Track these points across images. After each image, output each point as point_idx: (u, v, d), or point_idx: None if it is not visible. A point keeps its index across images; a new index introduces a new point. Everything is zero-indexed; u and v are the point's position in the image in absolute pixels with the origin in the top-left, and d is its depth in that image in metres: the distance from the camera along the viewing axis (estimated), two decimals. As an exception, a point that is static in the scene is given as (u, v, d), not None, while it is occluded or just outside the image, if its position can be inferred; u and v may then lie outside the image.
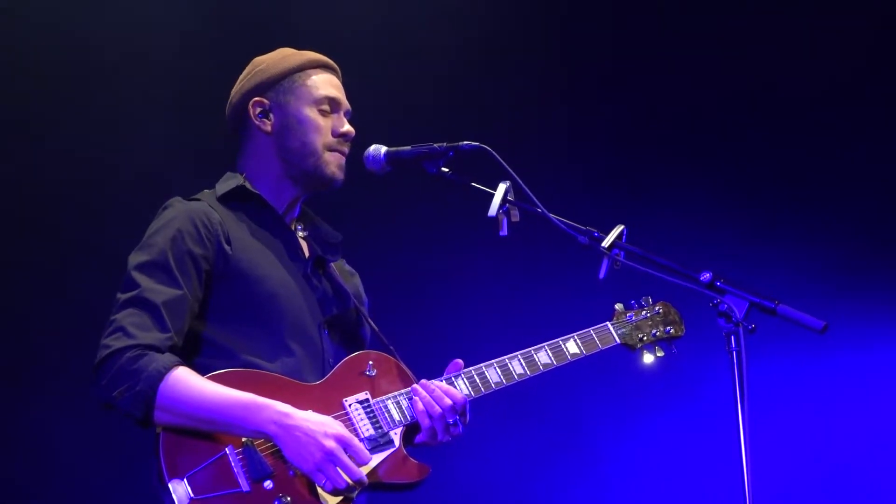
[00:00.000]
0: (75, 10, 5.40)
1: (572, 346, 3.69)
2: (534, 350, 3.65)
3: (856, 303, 6.08)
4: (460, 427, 3.49)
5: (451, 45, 5.94)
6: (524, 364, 3.62)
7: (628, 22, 6.20)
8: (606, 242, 3.35)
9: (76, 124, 5.41)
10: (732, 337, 3.14)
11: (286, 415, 3.22)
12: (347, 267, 3.78)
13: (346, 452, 3.24)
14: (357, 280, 3.79)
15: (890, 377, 6.19)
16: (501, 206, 3.41)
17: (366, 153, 3.61)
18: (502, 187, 3.42)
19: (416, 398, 3.45)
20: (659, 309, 3.88)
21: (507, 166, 3.38)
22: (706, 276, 3.23)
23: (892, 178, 6.24)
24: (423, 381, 3.51)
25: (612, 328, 3.79)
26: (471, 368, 3.57)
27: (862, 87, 6.21)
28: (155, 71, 5.52)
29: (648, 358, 3.81)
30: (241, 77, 3.68)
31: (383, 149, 3.60)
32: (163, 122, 5.52)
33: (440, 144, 3.53)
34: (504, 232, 3.43)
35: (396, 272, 5.72)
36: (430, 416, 3.43)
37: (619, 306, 3.85)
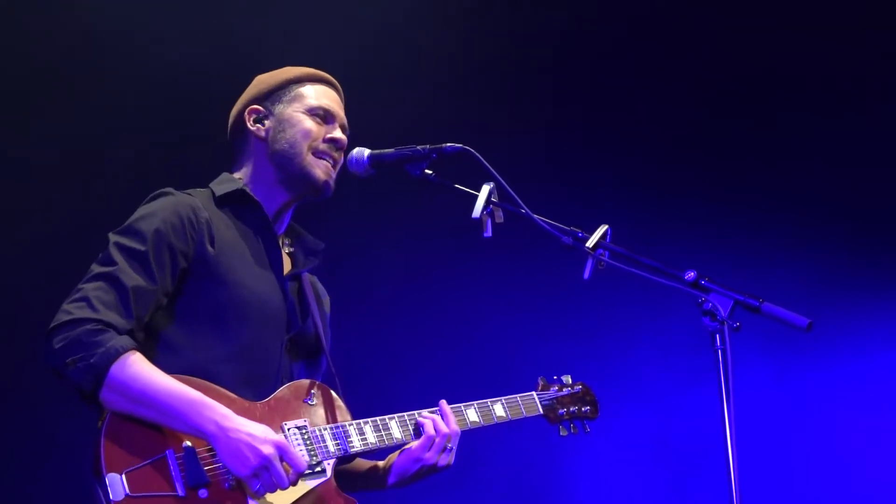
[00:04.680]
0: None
1: (499, 409, 3.82)
2: (464, 406, 3.75)
3: (842, 303, 6.12)
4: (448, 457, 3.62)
5: (432, 48, 5.95)
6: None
7: (610, 23, 6.22)
8: (591, 242, 3.34)
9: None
10: (717, 335, 3.14)
11: (226, 417, 3.23)
12: (321, 287, 3.80)
13: (283, 460, 3.27)
14: (327, 303, 3.80)
15: (878, 377, 6.22)
16: (485, 207, 3.42)
17: (349, 156, 3.62)
18: (486, 189, 3.43)
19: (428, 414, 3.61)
20: (579, 388, 4.06)
21: (490, 168, 3.39)
22: (690, 274, 3.24)
23: (875, 182, 6.28)
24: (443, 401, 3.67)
25: (537, 398, 3.95)
26: (404, 414, 3.64)
27: (857, 87, 6.26)
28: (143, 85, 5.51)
29: (564, 432, 4.00)
30: (244, 92, 3.73)
31: (367, 151, 3.60)
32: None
33: (423, 147, 3.54)
34: (488, 233, 3.43)
35: (378, 274, 5.73)
36: (437, 431, 3.58)
37: (542, 380, 4.00)
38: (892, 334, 6.20)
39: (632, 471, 6.13)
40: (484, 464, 5.82)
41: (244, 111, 3.64)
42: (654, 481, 6.13)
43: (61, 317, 3.22)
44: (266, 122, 3.62)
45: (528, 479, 6.05)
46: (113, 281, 3.26)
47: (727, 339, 3.13)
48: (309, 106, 3.62)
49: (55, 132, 5.31)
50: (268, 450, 3.23)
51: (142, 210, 3.42)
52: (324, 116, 3.63)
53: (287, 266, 3.64)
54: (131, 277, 3.28)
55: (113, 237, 3.35)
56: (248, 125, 3.62)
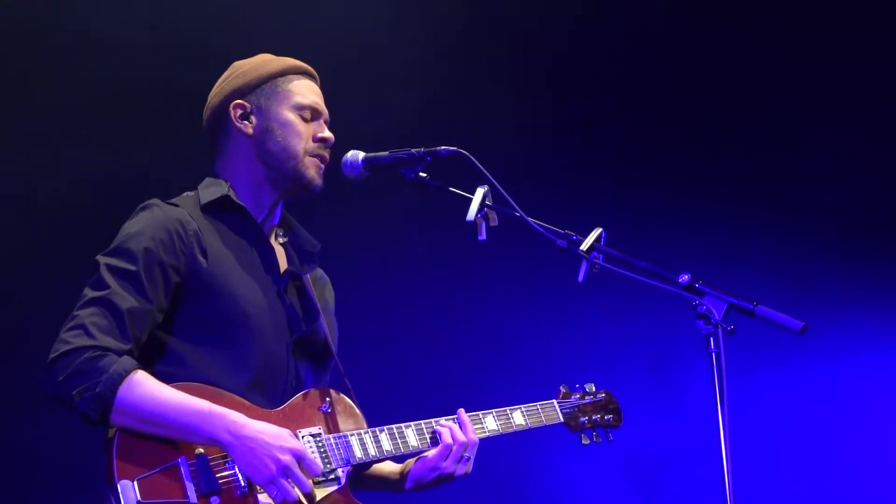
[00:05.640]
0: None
1: (518, 417, 3.80)
2: (482, 414, 3.74)
3: (836, 305, 6.12)
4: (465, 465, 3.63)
5: (431, 50, 5.94)
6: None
7: (611, 27, 6.22)
8: (585, 245, 3.34)
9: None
10: (712, 339, 3.14)
11: (241, 425, 3.22)
12: (320, 273, 3.76)
13: (300, 465, 3.26)
14: (329, 290, 3.78)
15: (871, 379, 6.22)
16: (479, 210, 3.41)
17: (343, 159, 3.60)
18: (480, 192, 3.42)
19: (447, 422, 3.61)
20: (602, 396, 4.03)
21: (484, 171, 3.38)
22: (685, 277, 3.23)
23: (863, 182, 6.28)
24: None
25: (557, 406, 3.92)
26: (421, 422, 3.62)
27: (856, 89, 6.26)
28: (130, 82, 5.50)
29: (585, 440, 3.97)
30: (221, 80, 3.66)
31: (361, 154, 3.58)
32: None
33: (418, 150, 3.53)
34: (482, 236, 3.43)
35: (372, 276, 5.73)
36: (454, 439, 3.57)
37: (563, 388, 3.98)
38: (884, 336, 6.20)
39: (624, 476, 6.13)
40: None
41: (228, 105, 3.58)
42: (645, 487, 6.12)
43: (60, 347, 3.20)
44: (252, 119, 3.56)
45: (515, 485, 6.04)
46: (107, 305, 3.24)
47: (721, 342, 3.13)
48: (298, 104, 3.58)
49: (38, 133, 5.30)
50: (286, 457, 3.23)
51: (128, 227, 3.39)
52: (311, 114, 3.60)
53: (282, 261, 3.61)
54: (125, 299, 3.25)
55: (102, 259, 3.32)
56: (234, 122, 3.56)
